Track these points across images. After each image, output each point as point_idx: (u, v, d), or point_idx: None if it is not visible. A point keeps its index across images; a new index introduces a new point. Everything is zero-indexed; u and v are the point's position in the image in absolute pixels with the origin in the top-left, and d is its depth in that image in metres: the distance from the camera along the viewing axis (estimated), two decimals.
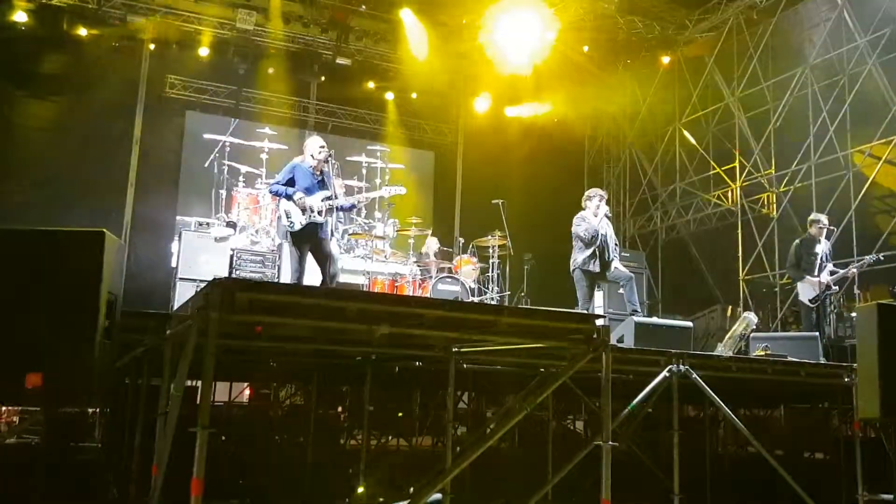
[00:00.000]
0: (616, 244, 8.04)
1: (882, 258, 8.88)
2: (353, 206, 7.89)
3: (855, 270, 8.66)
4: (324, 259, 7.07)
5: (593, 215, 7.84)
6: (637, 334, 6.32)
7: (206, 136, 11.73)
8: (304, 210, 6.93)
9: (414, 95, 14.44)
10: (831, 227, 8.94)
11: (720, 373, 5.69)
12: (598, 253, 7.71)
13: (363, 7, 12.63)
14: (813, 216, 8.99)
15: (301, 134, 13.43)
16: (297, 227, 6.95)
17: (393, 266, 9.75)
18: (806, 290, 8.64)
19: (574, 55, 14.82)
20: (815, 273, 8.53)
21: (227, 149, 11.08)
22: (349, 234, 9.81)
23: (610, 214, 8.11)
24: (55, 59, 11.56)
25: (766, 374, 6.05)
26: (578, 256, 7.79)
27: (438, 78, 14.34)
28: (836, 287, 8.73)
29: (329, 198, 7.06)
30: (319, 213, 6.98)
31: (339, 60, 13.56)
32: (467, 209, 14.45)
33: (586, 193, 8.07)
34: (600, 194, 8.07)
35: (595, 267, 7.70)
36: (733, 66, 13.17)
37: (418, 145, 15.05)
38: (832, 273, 8.55)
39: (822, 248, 8.63)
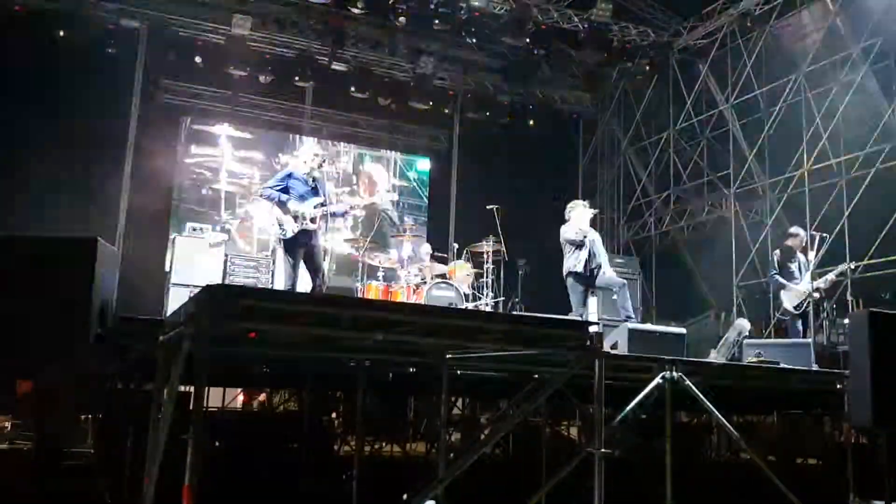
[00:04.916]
0: (604, 252, 8.09)
1: (852, 268, 8.93)
2: (346, 212, 7.88)
3: (825, 284, 8.70)
4: (315, 267, 7.07)
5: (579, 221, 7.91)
6: (631, 341, 6.31)
7: (201, 142, 11.73)
8: (295, 218, 6.92)
9: (409, 101, 14.44)
10: (823, 235, 8.97)
11: (713, 379, 5.70)
12: (588, 256, 7.76)
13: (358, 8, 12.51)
14: (791, 229, 9.17)
15: (296, 140, 13.48)
16: (290, 234, 6.95)
17: (387, 271, 9.73)
18: (789, 298, 8.78)
19: (569, 63, 14.90)
20: (795, 283, 8.71)
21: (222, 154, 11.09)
22: (344, 240, 9.80)
23: (595, 212, 8.19)
24: (48, 64, 11.50)
25: (759, 381, 6.07)
26: (569, 261, 7.84)
27: (433, 83, 14.36)
28: (818, 295, 8.78)
29: (321, 204, 7.06)
30: (312, 220, 6.98)
31: (335, 66, 13.56)
32: (462, 215, 14.44)
33: (568, 206, 8.13)
34: (581, 202, 8.16)
35: (586, 269, 7.73)
36: (727, 73, 13.24)
37: (413, 151, 15.07)
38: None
39: (801, 259, 8.83)
